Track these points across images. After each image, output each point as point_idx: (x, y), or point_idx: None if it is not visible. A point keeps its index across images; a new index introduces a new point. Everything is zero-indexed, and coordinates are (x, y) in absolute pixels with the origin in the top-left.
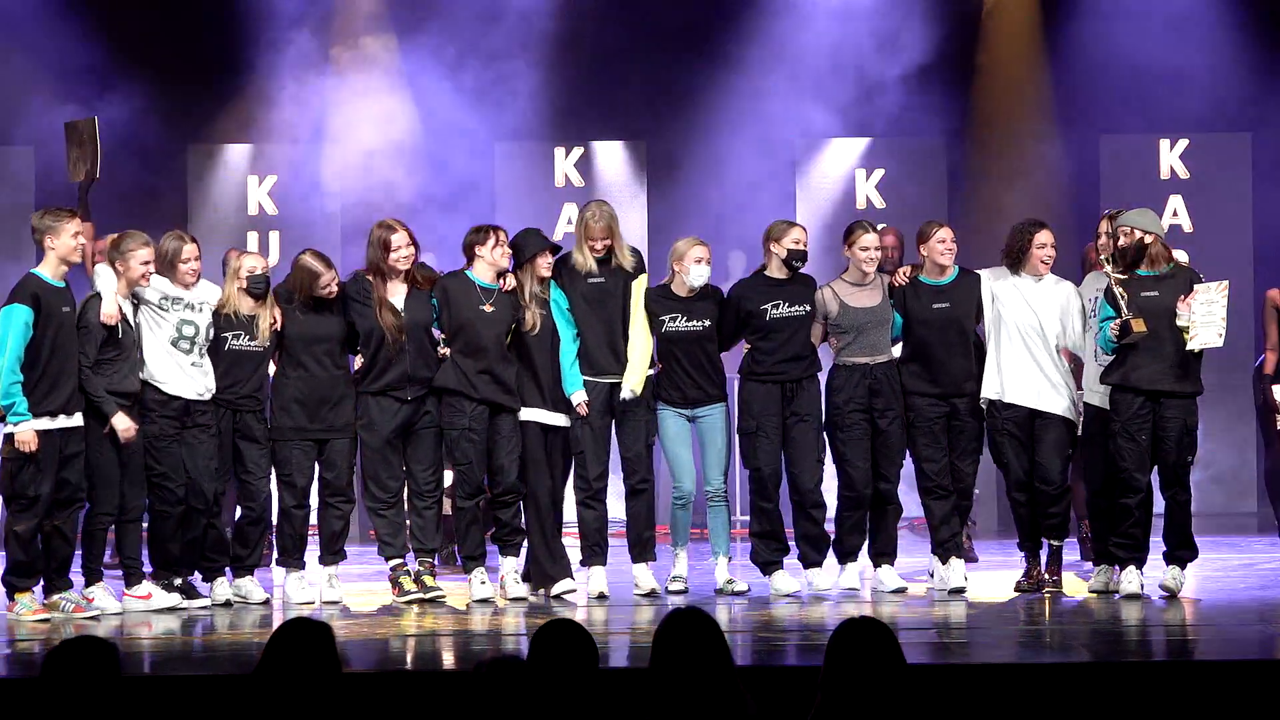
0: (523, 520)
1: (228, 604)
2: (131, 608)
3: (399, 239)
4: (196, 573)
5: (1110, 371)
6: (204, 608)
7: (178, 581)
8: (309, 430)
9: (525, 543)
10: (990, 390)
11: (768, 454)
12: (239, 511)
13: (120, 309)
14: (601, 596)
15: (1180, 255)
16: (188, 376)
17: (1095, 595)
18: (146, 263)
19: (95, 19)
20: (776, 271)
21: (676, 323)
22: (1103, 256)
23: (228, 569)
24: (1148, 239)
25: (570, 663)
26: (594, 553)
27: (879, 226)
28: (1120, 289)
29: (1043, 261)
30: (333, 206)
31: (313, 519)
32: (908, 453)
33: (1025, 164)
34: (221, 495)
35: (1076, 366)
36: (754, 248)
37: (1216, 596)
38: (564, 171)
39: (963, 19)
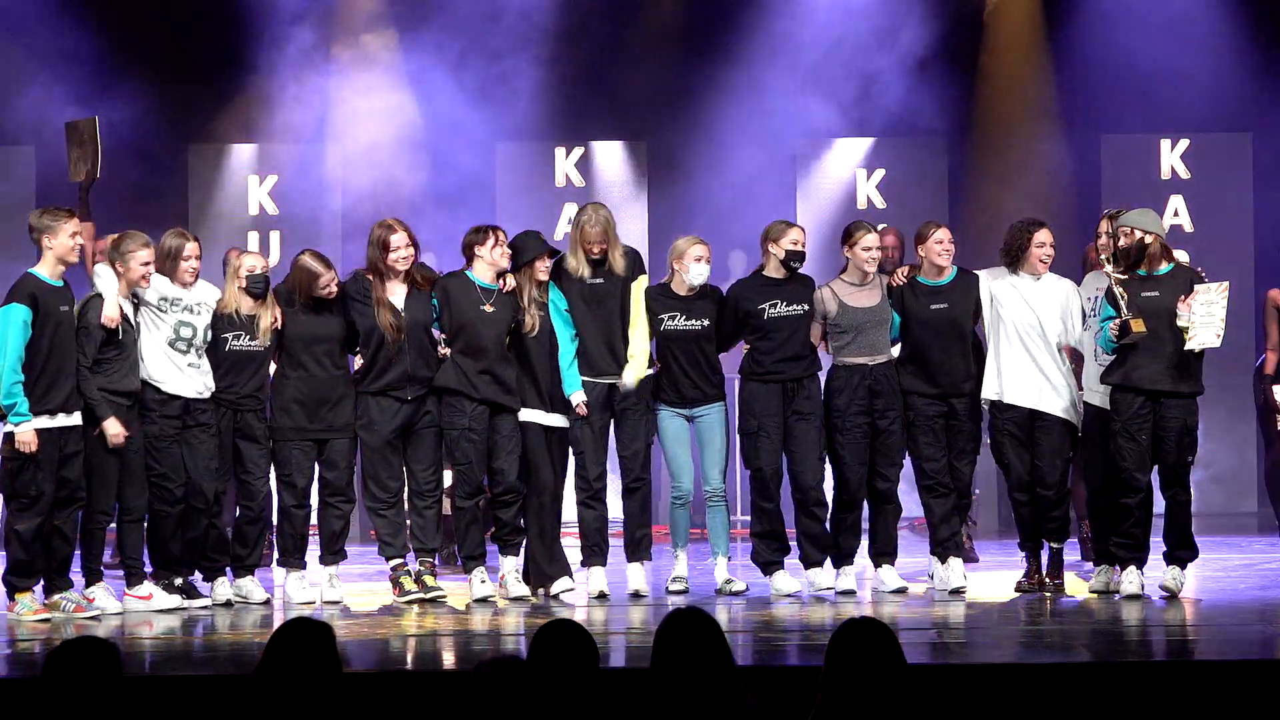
0: (523, 520)
1: (228, 604)
2: (132, 608)
3: (398, 239)
4: (197, 572)
5: (1110, 371)
6: (204, 608)
7: (178, 581)
8: (308, 430)
9: (524, 542)
10: (990, 391)
11: (769, 454)
12: (239, 511)
13: (121, 309)
14: (602, 596)
15: (1180, 255)
16: (185, 376)
17: (1096, 595)
18: (146, 264)
19: (96, 18)
20: (775, 271)
21: (675, 321)
22: (1103, 256)
23: (228, 569)
24: (1148, 239)
25: (570, 663)
26: (594, 553)
27: (880, 227)
28: (1120, 289)
29: (1041, 261)
30: (334, 206)
31: (313, 519)
32: (907, 453)
33: (1026, 164)
34: (222, 495)
35: (1078, 365)
36: (754, 247)
37: (1217, 596)
38: (564, 171)
39: (964, 19)
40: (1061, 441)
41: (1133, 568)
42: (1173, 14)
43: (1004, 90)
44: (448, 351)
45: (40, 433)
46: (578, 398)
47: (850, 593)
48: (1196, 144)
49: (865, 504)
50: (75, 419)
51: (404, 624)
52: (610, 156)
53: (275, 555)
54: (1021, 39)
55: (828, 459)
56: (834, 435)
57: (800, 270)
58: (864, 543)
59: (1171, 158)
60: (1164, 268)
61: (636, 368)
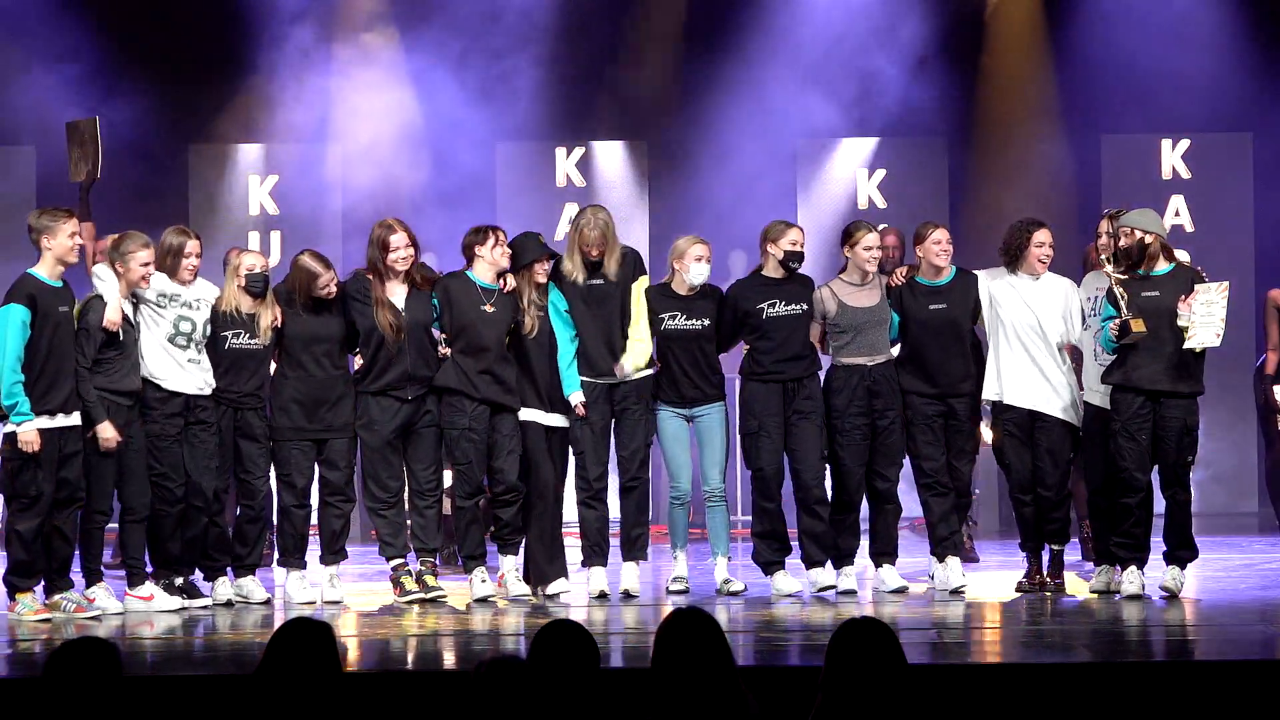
0: (522, 519)
1: (229, 604)
2: (133, 608)
3: (398, 239)
4: (198, 571)
5: (1111, 371)
6: (205, 607)
7: (179, 581)
8: (307, 430)
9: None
10: (990, 392)
11: (770, 454)
12: (239, 510)
13: (121, 310)
14: (602, 596)
15: (1181, 255)
16: (186, 373)
17: (1096, 595)
18: (146, 264)
19: (97, 18)
20: (773, 272)
21: (675, 321)
22: (1103, 256)
23: (229, 569)
24: (1148, 239)
25: (571, 663)
26: (594, 553)
27: (880, 227)
28: (1120, 289)
29: (1040, 260)
30: (334, 206)
31: (313, 519)
32: (906, 453)
33: (1027, 164)
34: (223, 493)
35: (1079, 364)
36: (755, 247)
37: (1217, 596)
38: (565, 171)
39: (965, 19)
40: (1062, 442)
41: (1133, 568)
42: (1173, 14)
43: (1005, 90)
44: (448, 351)
45: (40, 433)
46: (576, 398)
47: (851, 593)
48: (1197, 144)
49: (865, 504)
50: (75, 419)
51: (404, 624)
52: (611, 156)
53: (275, 555)
54: (1022, 39)
55: (827, 459)
56: (833, 435)
57: (800, 270)
58: (864, 543)
59: (1172, 158)
60: (1164, 267)
61: (636, 356)
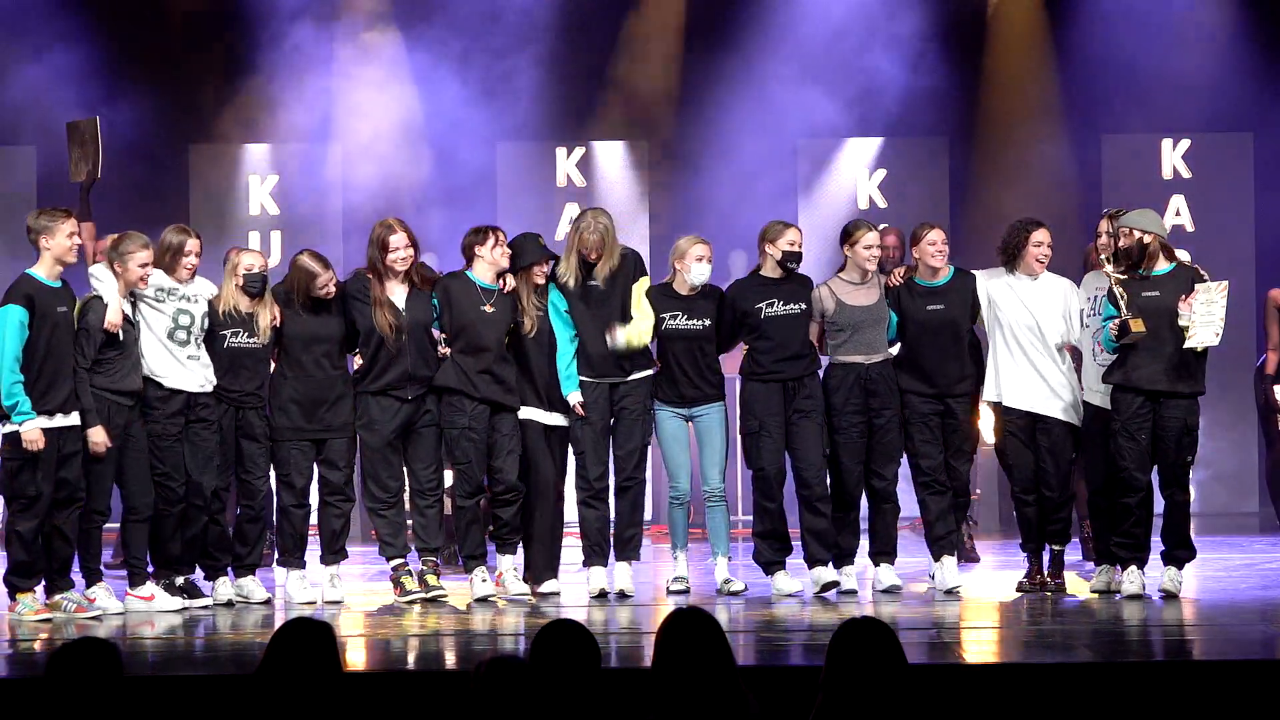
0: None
1: (230, 604)
2: (134, 608)
3: (398, 240)
4: (199, 570)
5: (1111, 371)
6: (205, 607)
7: (180, 580)
8: (306, 430)
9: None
10: (990, 394)
11: (771, 454)
12: (239, 510)
13: (121, 310)
14: (602, 595)
15: (1182, 255)
16: (187, 370)
17: (1097, 595)
18: (144, 265)
19: (97, 18)
20: (772, 272)
21: (677, 321)
22: (1103, 256)
23: (229, 568)
24: (1146, 238)
25: (572, 663)
26: (595, 553)
27: (880, 226)
28: (1120, 289)
29: (1038, 260)
30: (335, 206)
31: (313, 519)
32: (904, 451)
33: (1027, 164)
34: (224, 491)
35: (1079, 364)
36: (755, 247)
37: (1218, 596)
38: (566, 171)
39: (966, 19)
40: (1063, 442)
41: (1134, 567)
42: (1174, 14)
43: (1006, 90)
44: (448, 351)
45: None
46: (575, 398)
47: (851, 592)
48: (1198, 144)
49: (865, 504)
50: (74, 419)
51: (405, 624)
52: (611, 156)
53: (275, 555)
54: (1023, 39)
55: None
56: (831, 435)
57: (798, 270)
58: (864, 543)
59: (1173, 158)
60: (1164, 267)
61: (631, 331)
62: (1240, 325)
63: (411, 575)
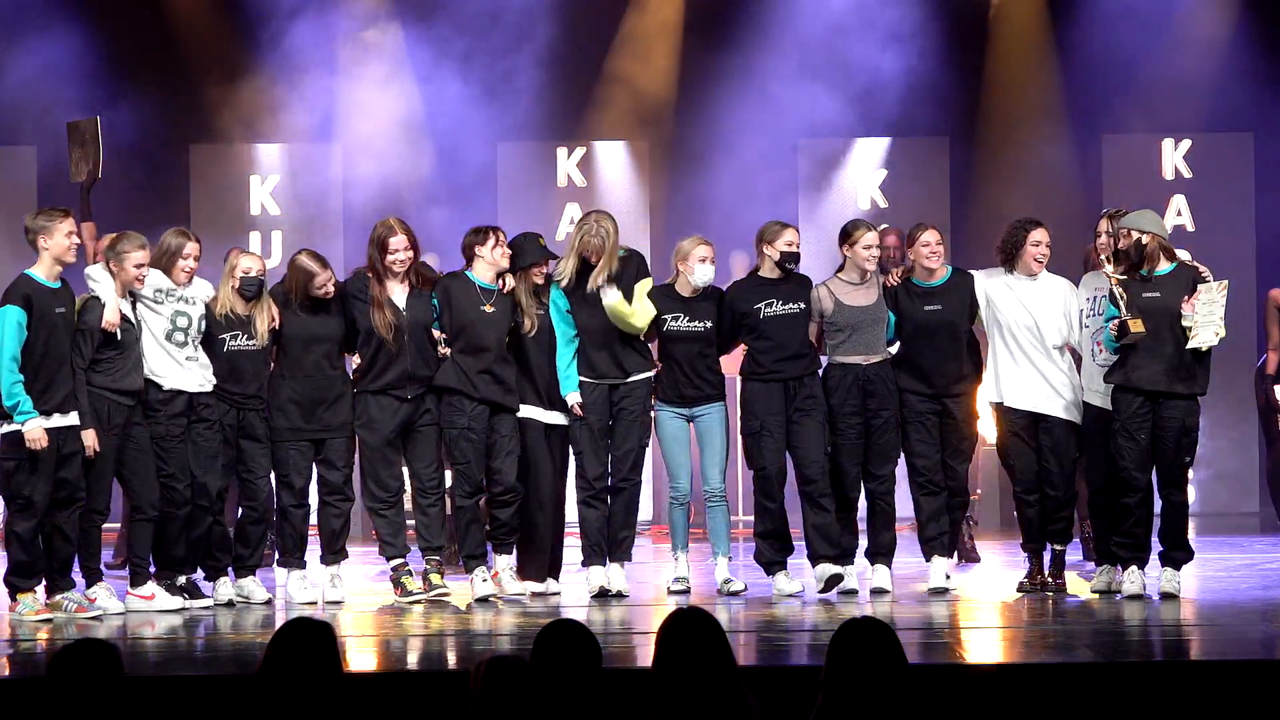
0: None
1: (230, 604)
2: (135, 608)
3: (397, 241)
4: (200, 571)
5: (1112, 371)
6: (206, 608)
7: (181, 580)
8: (305, 430)
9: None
10: (990, 395)
11: (772, 453)
12: (240, 511)
13: (120, 310)
14: (602, 594)
15: (1183, 254)
16: (186, 370)
17: (1098, 595)
18: (141, 265)
19: (98, 18)
20: (770, 272)
21: (678, 322)
22: (1103, 256)
23: (230, 569)
24: (1145, 239)
25: (573, 663)
26: (595, 552)
27: (880, 226)
28: (1120, 289)
29: (1036, 260)
30: (335, 205)
31: (313, 519)
32: (901, 452)
33: (1028, 164)
34: (225, 492)
35: (1078, 364)
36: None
37: (1219, 596)
38: (566, 171)
39: (968, 19)
40: (1066, 441)
41: (1134, 567)
42: (1175, 14)
43: (1007, 90)
44: (447, 351)
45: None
46: (574, 398)
47: (852, 592)
48: (1198, 144)
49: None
50: (73, 419)
51: (405, 624)
52: (612, 156)
53: (275, 555)
54: (1024, 39)
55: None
56: (829, 435)
57: (797, 270)
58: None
59: (1173, 158)
60: (1165, 268)
61: (630, 304)
62: (1240, 325)
63: (412, 575)
